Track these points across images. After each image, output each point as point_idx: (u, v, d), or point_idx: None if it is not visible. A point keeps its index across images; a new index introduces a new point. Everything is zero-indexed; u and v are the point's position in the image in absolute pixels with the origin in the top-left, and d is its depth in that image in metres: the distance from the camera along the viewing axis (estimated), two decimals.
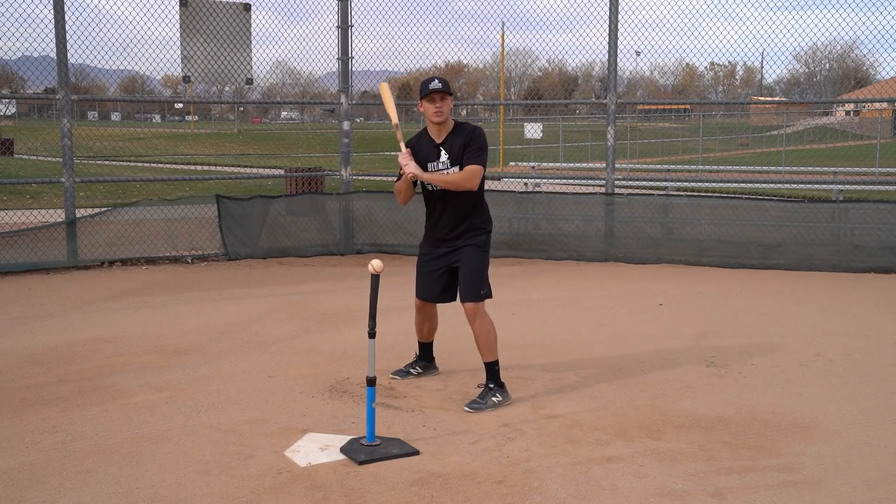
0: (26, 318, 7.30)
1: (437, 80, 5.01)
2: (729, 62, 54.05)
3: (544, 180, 16.49)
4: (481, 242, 5.15)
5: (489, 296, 5.11)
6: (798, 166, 22.08)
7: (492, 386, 5.04)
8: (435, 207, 5.20)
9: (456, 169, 5.05)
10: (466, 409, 4.91)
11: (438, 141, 5.12)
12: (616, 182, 11.04)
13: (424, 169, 5.10)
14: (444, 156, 5.09)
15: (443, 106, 5.01)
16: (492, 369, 5.06)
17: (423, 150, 5.16)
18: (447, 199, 5.13)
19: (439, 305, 5.47)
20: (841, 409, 4.98)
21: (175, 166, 26.56)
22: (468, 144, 5.04)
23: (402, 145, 5.16)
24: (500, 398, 5.00)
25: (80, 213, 10.00)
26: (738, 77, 60.55)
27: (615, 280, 9.48)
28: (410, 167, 5.04)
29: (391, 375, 5.53)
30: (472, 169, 5.01)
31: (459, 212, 5.13)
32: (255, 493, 3.75)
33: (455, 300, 5.26)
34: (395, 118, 5.25)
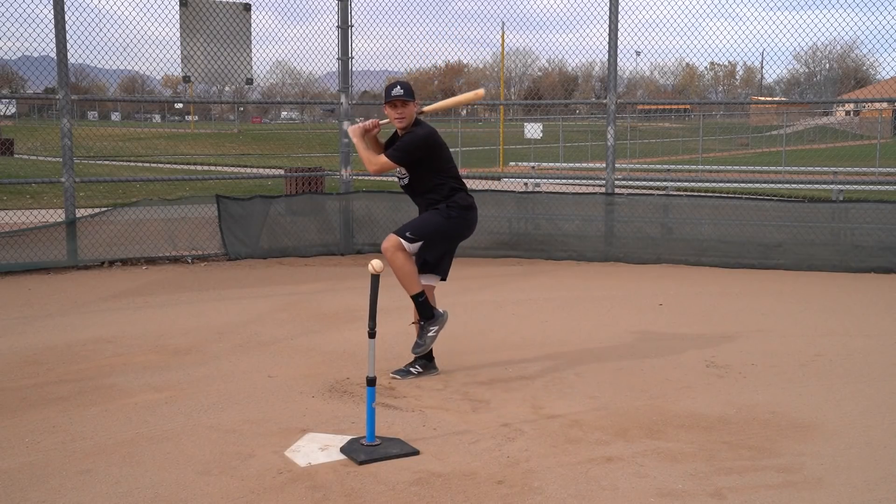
0: (26, 318, 7.30)
1: (399, 87, 5.29)
2: (729, 62, 54.14)
3: (544, 180, 16.50)
4: (439, 209, 5.38)
5: (413, 241, 5.33)
6: (798, 166, 22.08)
7: (423, 322, 5.35)
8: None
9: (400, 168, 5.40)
10: (414, 353, 5.35)
11: (399, 136, 5.47)
12: (616, 182, 11.04)
13: None
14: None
15: (404, 112, 5.31)
16: (416, 302, 5.35)
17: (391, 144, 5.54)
18: (413, 193, 5.52)
19: (440, 304, 5.52)
20: (841, 409, 4.98)
21: (175, 166, 26.56)
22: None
23: (372, 120, 5.42)
24: (435, 327, 5.35)
25: (80, 213, 9.99)
26: (738, 77, 60.61)
27: (615, 280, 9.48)
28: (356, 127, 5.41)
29: (391, 375, 5.54)
30: (380, 157, 5.32)
31: (422, 206, 5.51)
32: (255, 493, 3.75)
33: (444, 279, 5.62)
34: (431, 108, 5.62)
